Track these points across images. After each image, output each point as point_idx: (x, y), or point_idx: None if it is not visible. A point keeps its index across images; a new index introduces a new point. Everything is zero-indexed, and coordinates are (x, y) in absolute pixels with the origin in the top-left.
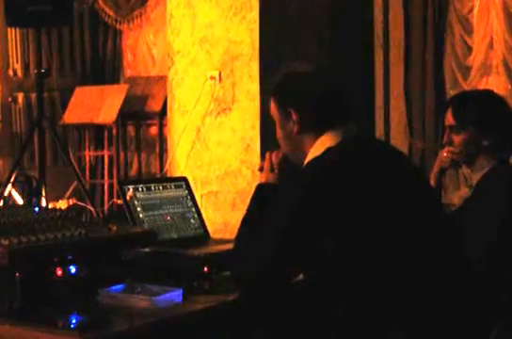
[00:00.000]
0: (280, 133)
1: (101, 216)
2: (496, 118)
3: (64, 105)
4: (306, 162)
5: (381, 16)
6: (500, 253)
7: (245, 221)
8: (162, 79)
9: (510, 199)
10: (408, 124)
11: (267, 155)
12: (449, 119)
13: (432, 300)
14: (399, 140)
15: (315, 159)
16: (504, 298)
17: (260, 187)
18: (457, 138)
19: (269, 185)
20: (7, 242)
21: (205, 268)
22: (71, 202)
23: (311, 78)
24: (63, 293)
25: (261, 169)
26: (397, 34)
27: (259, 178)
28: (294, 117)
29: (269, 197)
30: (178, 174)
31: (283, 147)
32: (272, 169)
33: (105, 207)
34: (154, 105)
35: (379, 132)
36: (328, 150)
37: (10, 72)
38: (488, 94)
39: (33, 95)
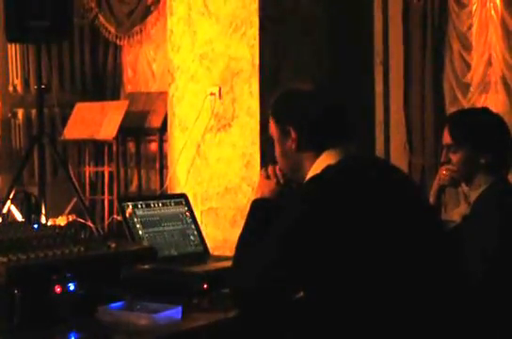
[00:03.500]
0: (278, 151)
1: (100, 232)
2: (492, 136)
3: (64, 121)
4: (306, 180)
5: (381, 33)
6: (496, 269)
7: (241, 239)
8: (162, 95)
9: (501, 217)
10: (408, 141)
11: (263, 170)
12: (446, 138)
13: (430, 321)
14: (399, 157)
15: (314, 177)
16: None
17: (254, 203)
18: (455, 157)
19: (264, 201)
20: (5, 259)
21: (205, 285)
22: (70, 219)
23: (310, 95)
24: (62, 310)
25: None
26: (397, 51)
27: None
28: (292, 134)
29: (264, 213)
30: (178, 190)
31: (282, 165)
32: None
33: (105, 224)
34: (154, 122)
35: (379, 148)
36: (328, 167)
37: (10, 88)
38: (484, 112)
39: (33, 111)
